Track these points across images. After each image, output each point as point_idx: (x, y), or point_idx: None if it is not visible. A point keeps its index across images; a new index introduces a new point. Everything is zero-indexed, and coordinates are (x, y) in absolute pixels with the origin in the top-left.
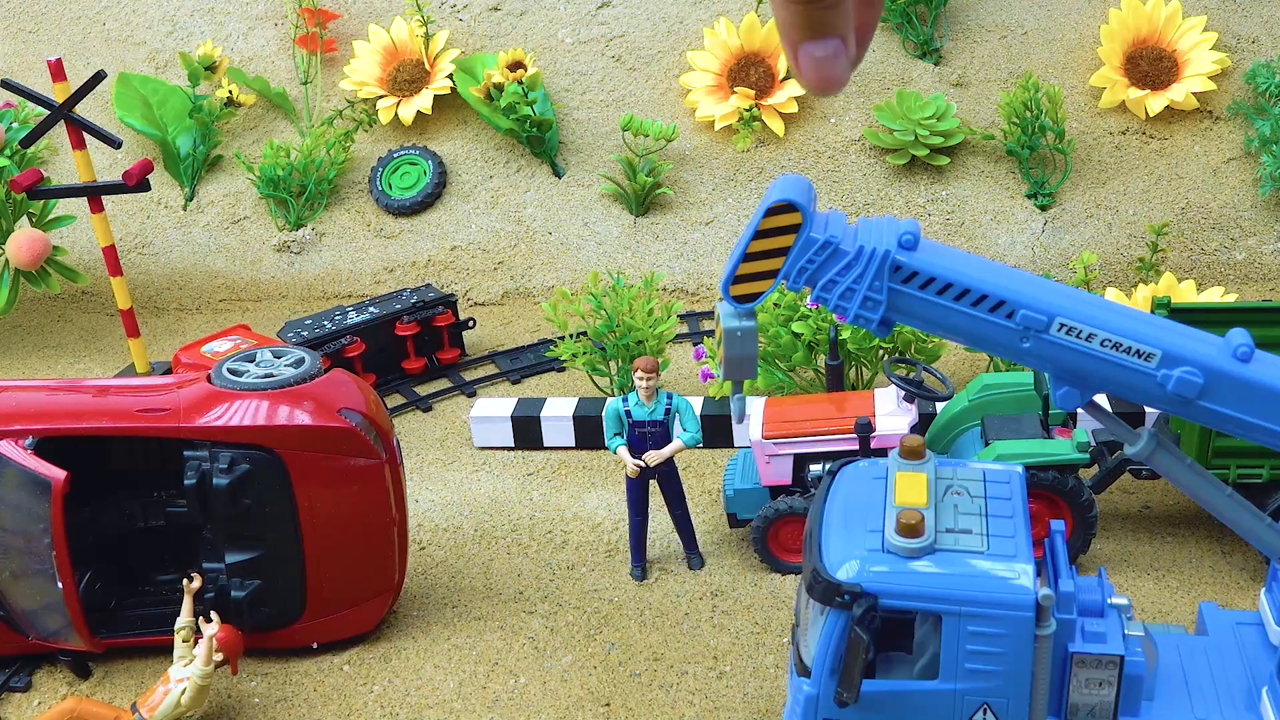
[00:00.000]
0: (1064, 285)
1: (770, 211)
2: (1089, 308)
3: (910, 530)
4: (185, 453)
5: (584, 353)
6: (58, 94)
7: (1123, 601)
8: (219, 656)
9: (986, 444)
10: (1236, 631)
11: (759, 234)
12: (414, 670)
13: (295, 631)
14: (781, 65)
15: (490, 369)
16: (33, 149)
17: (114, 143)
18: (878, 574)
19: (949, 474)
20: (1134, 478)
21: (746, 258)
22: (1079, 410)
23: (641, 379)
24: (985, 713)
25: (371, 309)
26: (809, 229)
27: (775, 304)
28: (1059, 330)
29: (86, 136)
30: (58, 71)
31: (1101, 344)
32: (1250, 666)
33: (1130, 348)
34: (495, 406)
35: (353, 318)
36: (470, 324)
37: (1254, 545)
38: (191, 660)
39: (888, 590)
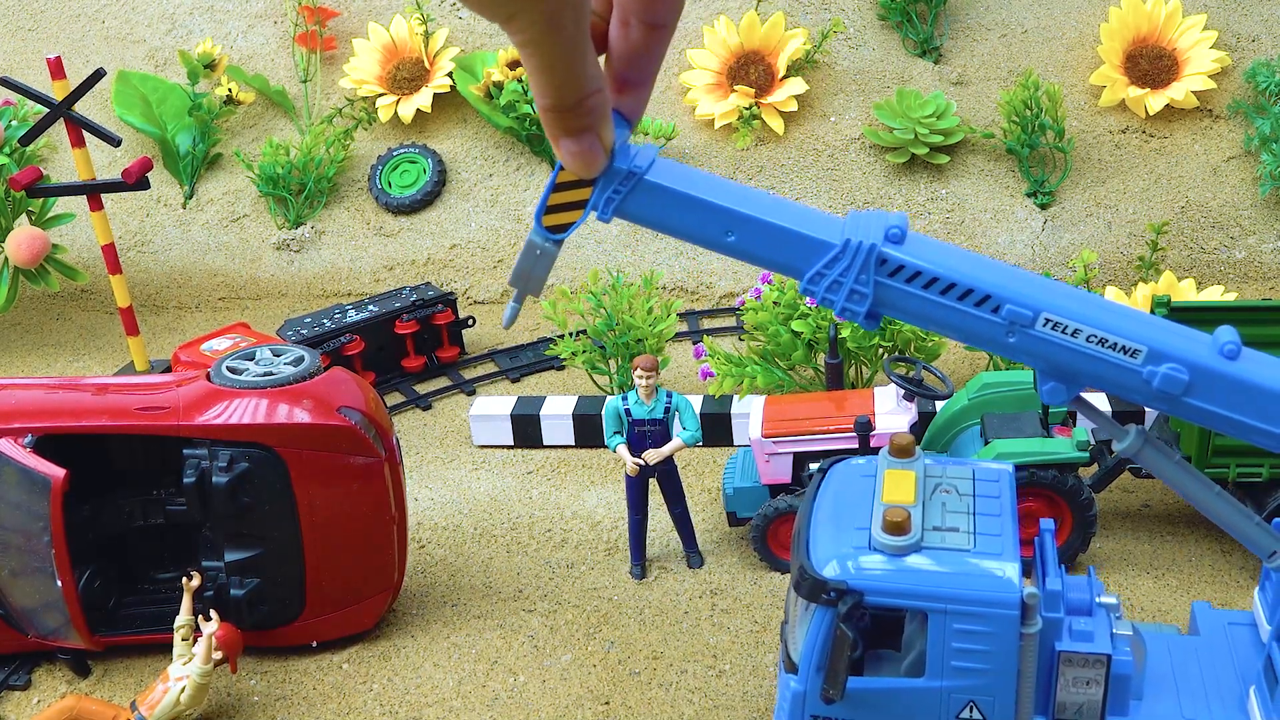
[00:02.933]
0: (1051, 280)
1: None
2: (1075, 303)
3: (896, 528)
4: (185, 451)
5: (583, 351)
6: (57, 92)
7: (1111, 601)
8: (218, 655)
9: (986, 442)
10: (1228, 632)
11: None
12: (413, 668)
13: (295, 630)
14: (781, 63)
15: (490, 367)
16: (32, 147)
17: (113, 141)
18: (863, 571)
19: (938, 472)
20: (1134, 476)
21: (557, 188)
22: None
23: (641, 377)
24: (971, 710)
25: (371, 307)
26: (614, 160)
27: (775, 303)
28: (1045, 325)
29: (86, 134)
30: (57, 69)
31: (1087, 340)
32: (1240, 666)
33: (1116, 344)
34: (495, 405)
35: (352, 316)
36: (470, 322)
37: (1243, 544)
38: (191, 658)
39: (873, 587)
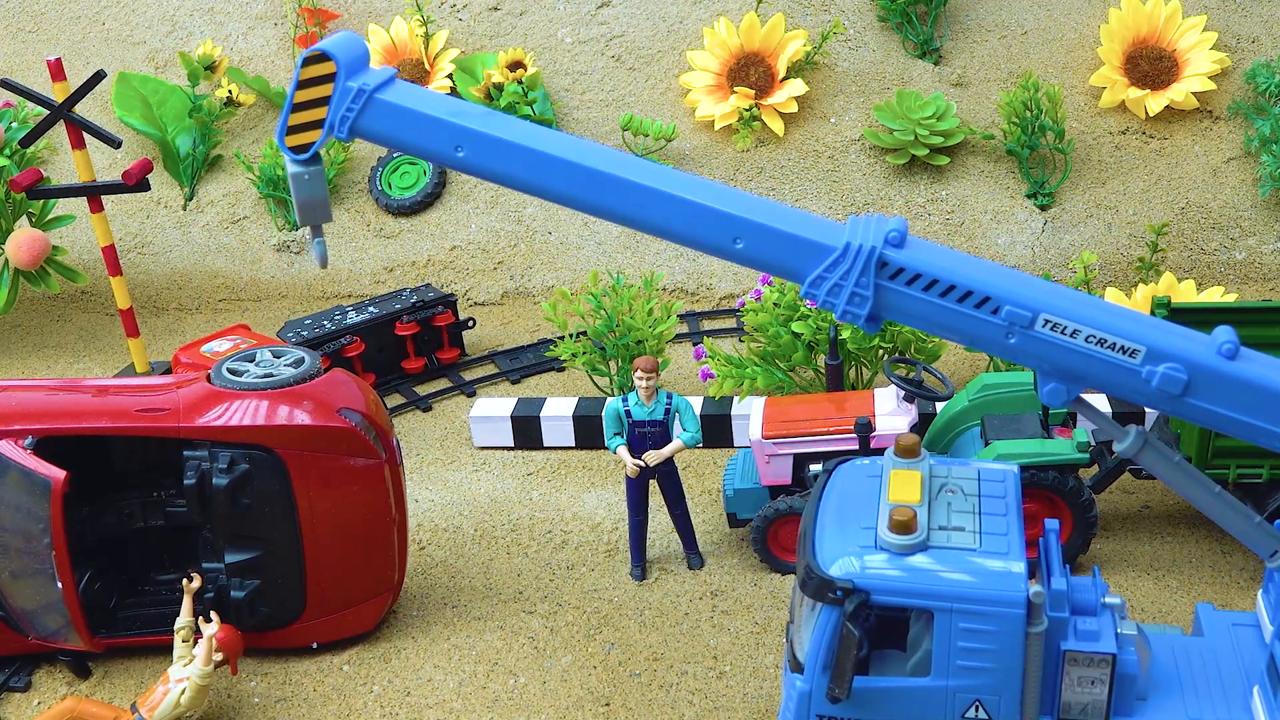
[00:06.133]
0: (1050, 282)
1: (306, 62)
2: (1074, 304)
3: (902, 527)
4: (185, 452)
5: (584, 352)
6: (57, 93)
7: (1116, 601)
8: (219, 656)
9: (986, 444)
10: (1232, 632)
11: (300, 85)
12: (413, 670)
13: (295, 631)
14: (781, 65)
15: (490, 369)
16: (32, 149)
17: (113, 142)
18: (870, 570)
19: (944, 472)
20: (1134, 477)
21: (294, 109)
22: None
23: (641, 379)
24: (977, 709)
25: (371, 309)
26: (344, 78)
27: (775, 304)
28: (1044, 326)
29: (86, 136)
30: (57, 71)
31: (1086, 340)
32: (1245, 667)
33: (1115, 344)
34: (495, 406)
35: (352, 317)
36: (470, 324)
37: (1243, 543)
38: (191, 660)
39: (880, 587)
